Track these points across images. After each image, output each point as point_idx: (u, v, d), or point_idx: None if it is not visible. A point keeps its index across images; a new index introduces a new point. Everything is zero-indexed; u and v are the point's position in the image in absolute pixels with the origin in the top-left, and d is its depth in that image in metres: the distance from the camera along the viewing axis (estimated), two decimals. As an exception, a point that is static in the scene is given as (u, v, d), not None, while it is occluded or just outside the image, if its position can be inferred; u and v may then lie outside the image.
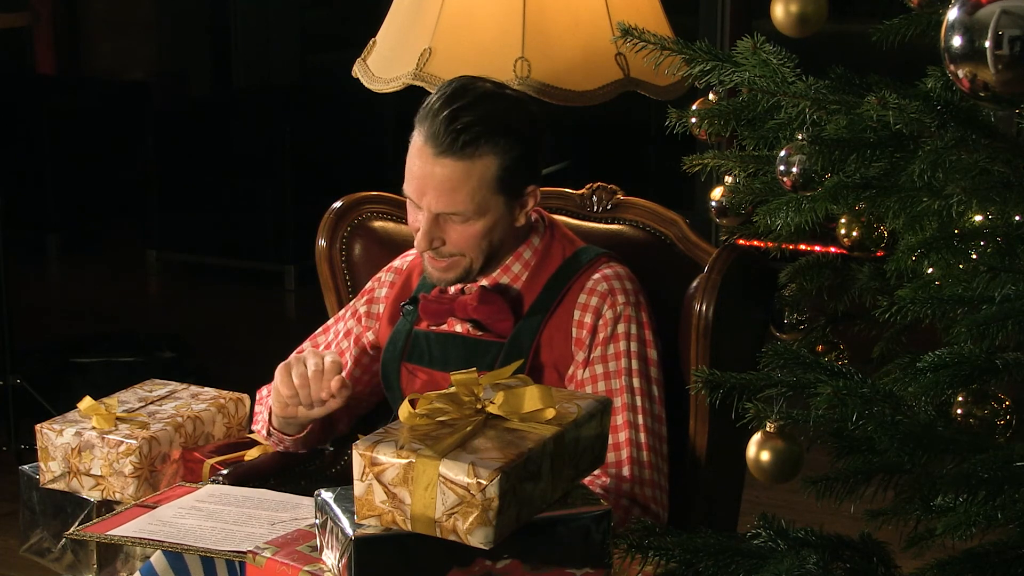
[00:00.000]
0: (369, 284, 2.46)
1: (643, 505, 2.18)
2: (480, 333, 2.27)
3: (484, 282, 2.29)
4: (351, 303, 2.48)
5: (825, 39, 2.08)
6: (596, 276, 2.27)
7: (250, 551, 1.81)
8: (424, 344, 2.32)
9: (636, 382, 2.23)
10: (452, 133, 2.15)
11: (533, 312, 2.26)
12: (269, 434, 2.37)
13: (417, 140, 2.20)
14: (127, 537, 2.04)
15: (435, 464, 1.69)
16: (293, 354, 2.32)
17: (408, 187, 2.22)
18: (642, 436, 2.20)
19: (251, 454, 2.43)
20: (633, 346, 2.24)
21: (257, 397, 2.47)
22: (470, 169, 2.17)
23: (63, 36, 7.07)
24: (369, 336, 2.42)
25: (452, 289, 2.30)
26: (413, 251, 2.40)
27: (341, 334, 2.46)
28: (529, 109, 2.27)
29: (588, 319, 2.24)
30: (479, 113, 2.17)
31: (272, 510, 2.09)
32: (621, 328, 2.24)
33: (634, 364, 2.23)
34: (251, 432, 2.49)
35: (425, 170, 2.18)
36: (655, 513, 2.19)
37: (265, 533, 2.00)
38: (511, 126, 2.20)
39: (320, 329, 2.52)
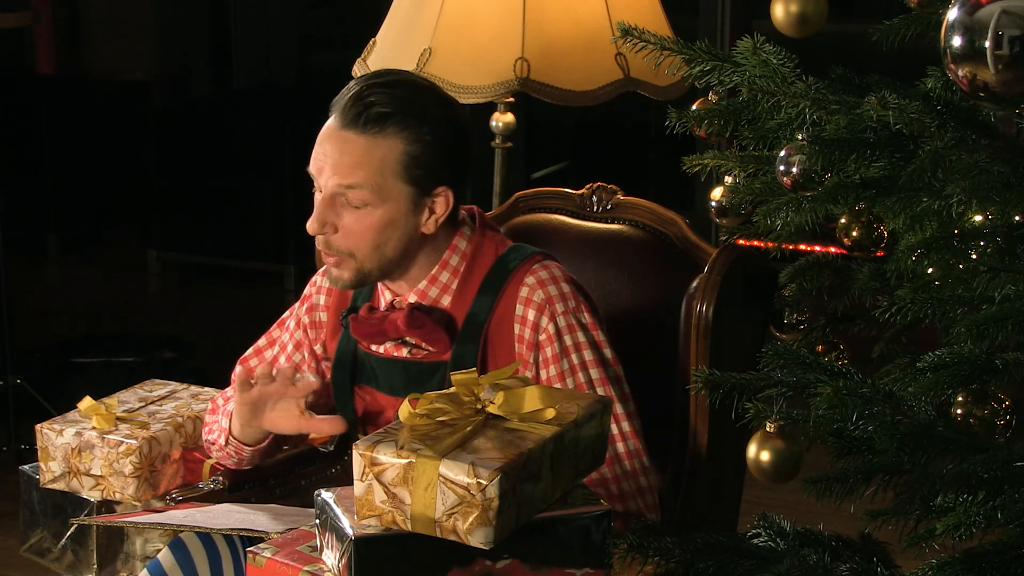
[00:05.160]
0: (307, 289, 2.34)
1: (638, 517, 2.17)
2: (421, 354, 2.18)
3: (413, 298, 2.17)
4: (293, 310, 2.36)
5: (825, 39, 2.07)
6: (530, 282, 2.15)
7: (250, 550, 1.81)
8: (370, 367, 2.24)
9: (602, 392, 2.14)
10: (360, 107, 2.06)
11: (470, 327, 2.15)
12: (226, 443, 2.25)
13: (327, 121, 2.11)
14: (129, 521, 2.05)
15: (435, 464, 1.69)
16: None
17: (311, 165, 2.11)
18: (620, 447, 2.14)
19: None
20: (587, 355, 2.15)
21: (210, 407, 2.35)
22: (372, 146, 2.06)
23: (63, 36, 7.07)
24: (318, 348, 2.32)
25: (382, 305, 2.20)
26: None
27: (291, 347, 2.33)
28: (455, 111, 2.14)
29: (528, 334, 2.14)
30: (392, 94, 2.07)
31: (280, 518, 2.09)
32: (568, 340, 2.14)
33: (594, 374, 2.15)
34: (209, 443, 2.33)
35: (326, 145, 2.08)
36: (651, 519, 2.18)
37: (264, 521, 2.01)
38: (426, 115, 2.08)
39: (264, 342, 2.40)
